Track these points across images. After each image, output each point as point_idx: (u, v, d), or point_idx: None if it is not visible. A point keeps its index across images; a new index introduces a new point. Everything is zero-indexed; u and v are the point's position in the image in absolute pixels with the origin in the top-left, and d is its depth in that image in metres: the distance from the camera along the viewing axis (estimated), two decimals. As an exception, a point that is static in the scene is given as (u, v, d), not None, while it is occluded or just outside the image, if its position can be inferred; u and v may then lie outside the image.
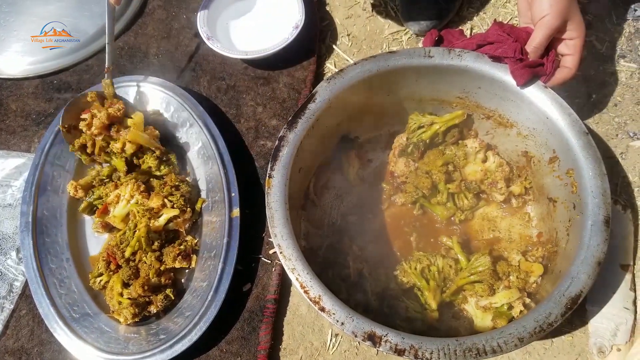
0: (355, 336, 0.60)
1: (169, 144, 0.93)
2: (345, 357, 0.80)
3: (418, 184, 0.84)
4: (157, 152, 0.88)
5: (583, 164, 0.69)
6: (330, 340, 0.81)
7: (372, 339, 0.60)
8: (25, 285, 0.85)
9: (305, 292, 0.64)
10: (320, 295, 0.63)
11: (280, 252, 0.67)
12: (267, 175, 0.72)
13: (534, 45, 0.74)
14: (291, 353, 0.80)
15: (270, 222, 0.69)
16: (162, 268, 0.81)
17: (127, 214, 0.84)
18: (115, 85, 0.93)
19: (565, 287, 0.62)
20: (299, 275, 0.65)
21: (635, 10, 1.02)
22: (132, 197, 0.84)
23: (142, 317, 0.80)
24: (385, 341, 0.60)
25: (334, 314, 0.62)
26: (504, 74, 0.76)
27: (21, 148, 0.99)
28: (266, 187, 0.71)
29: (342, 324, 0.61)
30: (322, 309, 0.62)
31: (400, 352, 0.59)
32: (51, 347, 0.80)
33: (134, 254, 0.81)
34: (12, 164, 0.96)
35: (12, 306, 0.84)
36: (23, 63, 1.07)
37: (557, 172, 0.76)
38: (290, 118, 0.76)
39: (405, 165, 0.86)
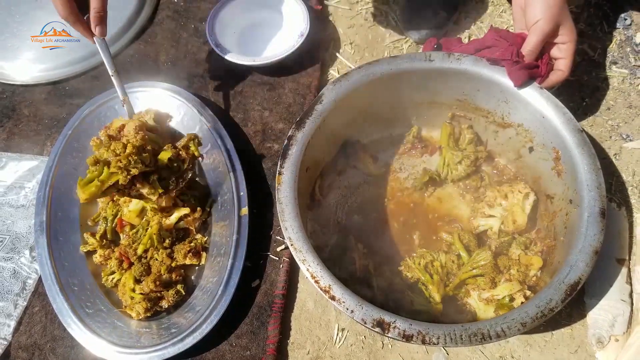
0: (365, 323, 0.63)
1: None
2: (351, 350, 0.81)
3: None
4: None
5: (578, 160, 0.73)
6: (337, 335, 0.83)
7: (381, 325, 0.62)
8: (39, 283, 0.86)
9: (316, 282, 0.66)
10: (330, 285, 0.66)
11: (291, 245, 0.69)
12: (277, 172, 0.75)
13: (528, 48, 0.78)
14: (299, 347, 0.82)
15: (281, 216, 0.71)
16: (173, 265, 0.84)
17: (142, 210, 0.86)
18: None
19: (564, 275, 0.65)
20: (310, 266, 0.67)
21: (625, 19, 1.07)
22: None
23: (154, 312, 0.82)
24: (394, 327, 0.62)
25: (343, 302, 0.64)
26: (501, 76, 0.79)
27: (34, 151, 1.01)
28: (276, 184, 0.74)
29: (352, 311, 0.64)
30: (333, 298, 0.65)
31: (408, 337, 0.61)
32: (63, 343, 0.82)
33: (145, 251, 0.84)
34: (26, 167, 0.98)
35: (25, 303, 0.85)
36: (34, 70, 1.11)
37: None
38: (298, 118, 0.79)
39: None
